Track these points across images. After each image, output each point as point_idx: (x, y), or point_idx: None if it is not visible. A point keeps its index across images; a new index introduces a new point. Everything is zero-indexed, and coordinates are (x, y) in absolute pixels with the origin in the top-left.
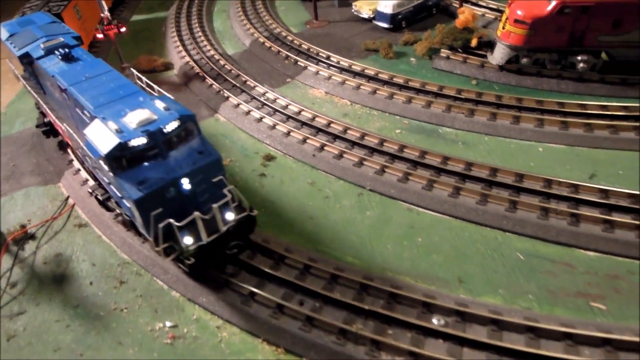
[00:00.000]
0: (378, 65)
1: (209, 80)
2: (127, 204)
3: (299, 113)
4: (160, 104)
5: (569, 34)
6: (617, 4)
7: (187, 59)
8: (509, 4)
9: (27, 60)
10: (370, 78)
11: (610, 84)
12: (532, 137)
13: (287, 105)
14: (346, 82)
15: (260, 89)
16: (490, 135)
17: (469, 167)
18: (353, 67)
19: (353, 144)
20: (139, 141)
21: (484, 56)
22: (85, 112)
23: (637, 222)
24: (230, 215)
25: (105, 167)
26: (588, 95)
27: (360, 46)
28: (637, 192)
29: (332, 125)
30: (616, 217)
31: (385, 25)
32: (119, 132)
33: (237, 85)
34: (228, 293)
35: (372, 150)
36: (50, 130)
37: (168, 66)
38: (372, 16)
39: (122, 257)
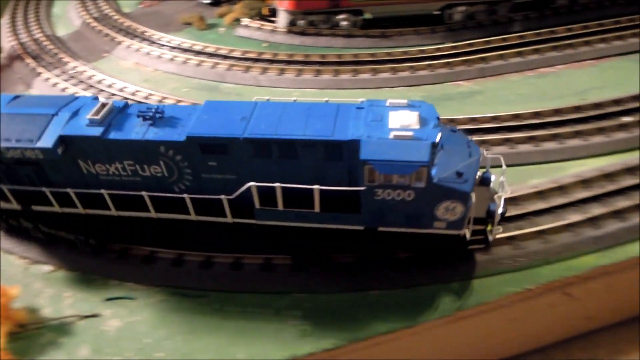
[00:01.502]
0: (189, 36)
1: (28, 60)
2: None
3: (110, 86)
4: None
5: None
6: None
7: (15, 42)
8: None
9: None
10: (173, 47)
11: (372, 37)
12: (293, 85)
13: (99, 79)
14: (150, 52)
15: (74, 64)
16: (260, 86)
17: None
18: (162, 39)
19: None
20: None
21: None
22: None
23: None
24: None
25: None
26: (355, 47)
27: (179, 20)
28: None
29: (137, 93)
30: None
31: (205, 0)
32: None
33: (53, 62)
34: None
35: None
36: None
37: None
38: None
39: None
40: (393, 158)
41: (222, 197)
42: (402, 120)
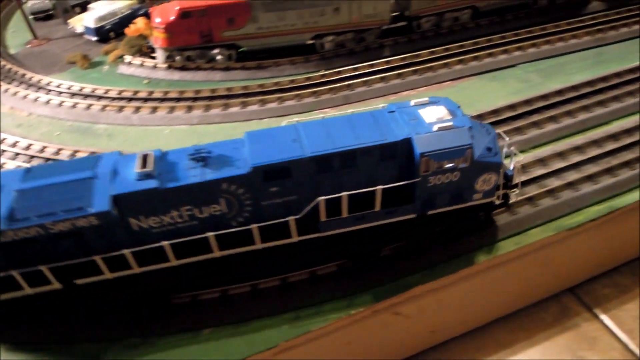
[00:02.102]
0: (71, 77)
1: None
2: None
3: None
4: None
5: (198, 33)
6: (226, 5)
7: None
8: (151, 12)
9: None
10: (49, 90)
11: (249, 69)
12: (164, 122)
13: None
14: (27, 96)
15: None
16: (132, 125)
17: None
18: (41, 81)
19: (17, 154)
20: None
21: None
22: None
23: None
24: None
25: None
26: (232, 80)
27: (64, 60)
28: None
29: (5, 140)
30: None
31: (93, 37)
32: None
33: None
34: None
35: (32, 157)
36: None
37: None
38: (83, 31)
39: None
40: (445, 147)
41: (290, 218)
42: (436, 115)
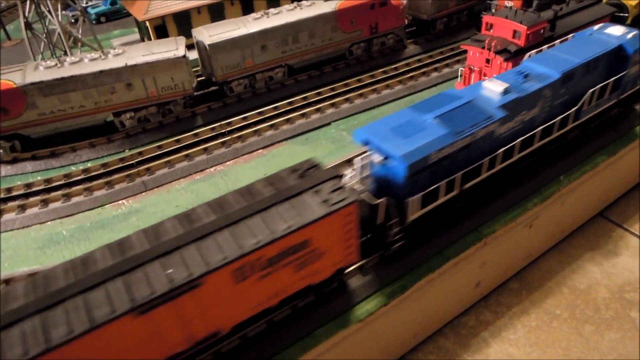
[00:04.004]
0: None
1: None
2: None
3: None
4: None
5: None
6: None
7: None
8: None
9: None
10: None
11: (40, 159)
12: None
13: None
14: None
15: None
16: None
17: None
18: None
19: None
20: None
21: None
22: None
23: None
24: None
25: None
26: (16, 174)
27: None
28: None
29: None
30: None
31: None
32: None
33: None
34: None
35: None
36: None
37: None
38: None
39: None
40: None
41: (571, 110)
42: (619, 31)
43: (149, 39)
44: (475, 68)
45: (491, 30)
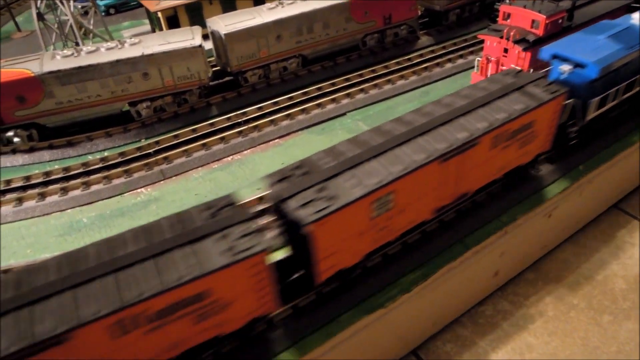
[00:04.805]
0: None
1: None
2: None
3: None
4: None
5: None
6: (10, 83)
7: None
8: None
9: None
10: None
11: (58, 148)
12: None
13: None
14: None
15: None
16: None
17: None
18: None
19: None
20: None
21: None
22: None
23: None
24: None
25: None
26: (38, 162)
27: None
28: None
29: None
30: None
31: None
32: None
33: None
34: None
35: None
36: None
37: None
38: None
39: None
40: None
41: None
42: None
43: (160, 29)
44: (492, 58)
45: (509, 20)
